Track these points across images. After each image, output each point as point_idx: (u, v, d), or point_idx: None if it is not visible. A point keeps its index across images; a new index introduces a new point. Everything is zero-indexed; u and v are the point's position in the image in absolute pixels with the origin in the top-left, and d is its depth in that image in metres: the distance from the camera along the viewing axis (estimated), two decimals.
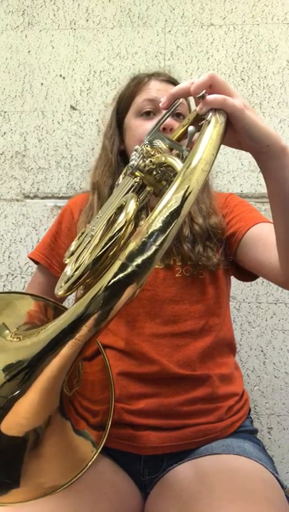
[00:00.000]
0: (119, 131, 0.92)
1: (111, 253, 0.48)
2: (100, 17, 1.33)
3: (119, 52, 1.32)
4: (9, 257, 1.27)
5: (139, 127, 0.85)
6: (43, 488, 0.58)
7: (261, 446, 0.77)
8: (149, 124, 0.83)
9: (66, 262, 0.68)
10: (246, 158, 1.25)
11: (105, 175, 0.89)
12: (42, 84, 1.32)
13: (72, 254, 0.67)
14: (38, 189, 1.29)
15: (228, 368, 0.81)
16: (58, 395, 0.56)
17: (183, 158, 0.56)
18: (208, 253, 0.80)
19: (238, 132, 0.54)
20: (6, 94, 1.33)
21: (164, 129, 0.81)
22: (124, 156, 0.91)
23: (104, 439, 0.63)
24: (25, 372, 0.50)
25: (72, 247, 0.71)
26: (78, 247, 0.66)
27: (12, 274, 1.26)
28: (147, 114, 0.85)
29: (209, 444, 0.73)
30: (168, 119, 0.82)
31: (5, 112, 1.32)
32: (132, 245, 0.41)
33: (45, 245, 0.92)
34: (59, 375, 0.51)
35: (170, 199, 0.42)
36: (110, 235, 0.46)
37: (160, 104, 0.59)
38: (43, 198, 1.28)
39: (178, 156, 0.58)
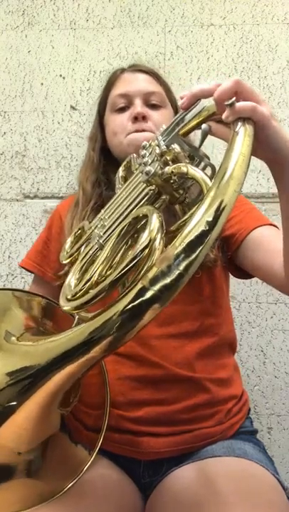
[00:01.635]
0: (101, 128, 0.94)
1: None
2: (100, 17, 1.33)
3: (119, 52, 1.32)
4: (9, 257, 1.27)
5: (113, 121, 0.87)
6: (42, 494, 0.57)
7: (262, 447, 0.77)
8: (123, 117, 0.85)
9: (64, 263, 0.67)
10: None
11: (88, 171, 0.92)
12: (42, 84, 1.32)
13: (72, 256, 0.65)
14: (38, 189, 1.28)
15: (227, 371, 0.80)
16: (58, 410, 0.55)
17: (198, 165, 0.54)
18: None
19: (258, 140, 0.51)
20: (6, 94, 1.32)
21: (135, 118, 0.83)
22: (106, 152, 0.93)
23: (100, 443, 0.63)
24: (28, 380, 0.49)
25: (68, 245, 0.69)
26: (78, 249, 0.64)
27: (12, 274, 1.26)
28: (122, 110, 0.87)
29: (210, 446, 0.73)
30: (142, 107, 0.84)
31: (5, 112, 1.32)
32: (156, 268, 0.39)
33: (37, 253, 0.91)
34: (62, 388, 0.50)
35: (199, 221, 0.40)
36: (132, 255, 0.42)
37: (179, 104, 0.55)
38: (43, 198, 1.28)
39: (190, 158, 0.55)
